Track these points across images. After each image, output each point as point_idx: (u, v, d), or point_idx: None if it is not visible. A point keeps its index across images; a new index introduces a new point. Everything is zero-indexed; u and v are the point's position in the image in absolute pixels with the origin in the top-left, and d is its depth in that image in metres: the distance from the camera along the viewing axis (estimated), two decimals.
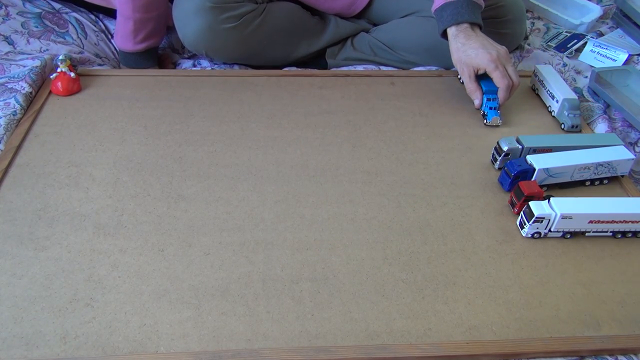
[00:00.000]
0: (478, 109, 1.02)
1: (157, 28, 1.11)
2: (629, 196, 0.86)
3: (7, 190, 0.80)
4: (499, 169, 0.89)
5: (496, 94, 0.99)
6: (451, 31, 0.99)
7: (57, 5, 1.21)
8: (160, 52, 1.20)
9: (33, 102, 0.97)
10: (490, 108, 0.99)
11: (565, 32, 1.33)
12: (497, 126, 0.99)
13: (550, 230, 0.77)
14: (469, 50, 0.97)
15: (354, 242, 0.76)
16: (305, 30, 1.16)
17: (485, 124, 1.00)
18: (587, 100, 1.10)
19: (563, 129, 0.99)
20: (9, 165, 0.84)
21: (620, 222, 0.76)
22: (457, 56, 0.99)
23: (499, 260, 0.74)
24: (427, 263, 0.73)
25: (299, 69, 1.15)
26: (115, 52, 1.21)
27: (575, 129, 0.99)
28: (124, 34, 1.09)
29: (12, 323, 0.63)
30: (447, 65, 1.18)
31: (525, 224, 0.77)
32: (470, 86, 1.00)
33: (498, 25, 1.14)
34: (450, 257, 0.74)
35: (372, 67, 1.18)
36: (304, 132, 0.96)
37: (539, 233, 0.77)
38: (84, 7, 1.23)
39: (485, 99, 1.00)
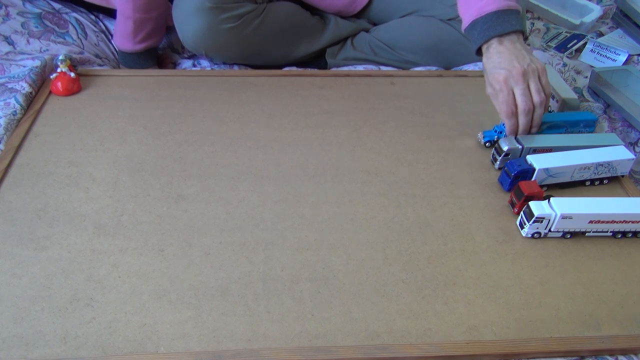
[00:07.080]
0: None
1: (157, 28, 1.11)
2: (629, 196, 0.86)
3: (7, 190, 0.80)
4: (499, 169, 0.89)
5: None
6: (484, 50, 0.88)
7: (57, 6, 1.21)
8: (159, 52, 1.20)
9: (33, 102, 0.97)
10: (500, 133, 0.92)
11: (565, 32, 1.33)
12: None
13: (550, 230, 0.77)
14: (490, 67, 0.86)
15: (354, 242, 0.76)
16: (305, 29, 1.16)
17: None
18: (587, 100, 1.10)
19: None
20: (9, 165, 0.84)
21: (621, 222, 0.76)
22: (485, 75, 0.88)
23: (499, 260, 0.74)
24: (427, 263, 0.73)
25: (299, 69, 1.15)
26: (115, 52, 1.21)
27: None
28: (123, 33, 1.09)
29: (12, 323, 0.63)
30: (447, 65, 1.18)
31: (525, 224, 0.77)
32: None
33: None
34: (450, 257, 0.74)
35: (372, 67, 1.18)
36: (304, 132, 0.96)
37: (539, 233, 0.77)
38: (84, 7, 1.23)
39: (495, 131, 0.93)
